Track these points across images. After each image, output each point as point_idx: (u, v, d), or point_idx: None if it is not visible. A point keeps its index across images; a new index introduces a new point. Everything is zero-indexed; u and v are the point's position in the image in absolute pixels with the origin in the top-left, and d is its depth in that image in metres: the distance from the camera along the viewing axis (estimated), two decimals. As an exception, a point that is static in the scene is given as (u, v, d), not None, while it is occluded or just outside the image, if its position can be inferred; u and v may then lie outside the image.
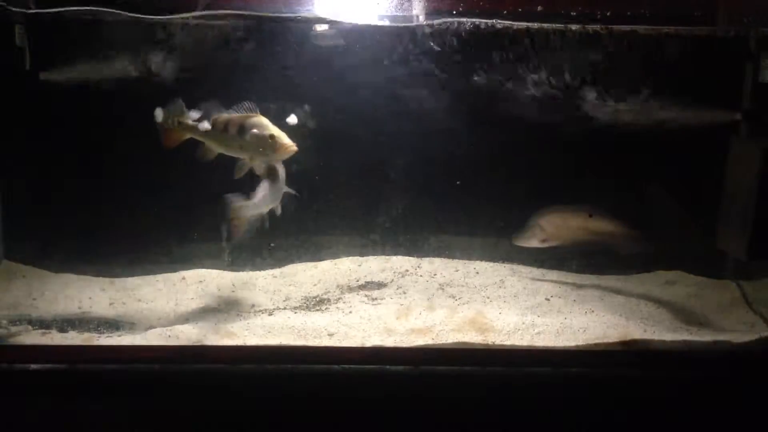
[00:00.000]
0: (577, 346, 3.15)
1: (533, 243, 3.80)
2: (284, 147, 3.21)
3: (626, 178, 3.89)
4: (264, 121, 3.26)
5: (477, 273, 4.07)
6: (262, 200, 3.33)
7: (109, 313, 3.49)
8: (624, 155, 3.83)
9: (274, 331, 3.21)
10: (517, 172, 3.94)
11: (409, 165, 3.94)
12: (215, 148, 3.35)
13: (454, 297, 3.70)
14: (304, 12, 3.58)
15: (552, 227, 3.76)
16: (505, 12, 3.49)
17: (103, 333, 3.24)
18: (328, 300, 3.66)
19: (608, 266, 4.07)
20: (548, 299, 3.67)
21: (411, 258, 4.17)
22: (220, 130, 3.28)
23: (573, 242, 3.81)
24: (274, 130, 3.23)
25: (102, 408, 2.95)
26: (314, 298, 3.71)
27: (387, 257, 4.18)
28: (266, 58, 3.71)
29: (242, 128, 3.24)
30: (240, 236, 3.31)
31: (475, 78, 3.72)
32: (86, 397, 2.94)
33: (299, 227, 4.10)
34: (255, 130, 3.22)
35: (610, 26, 3.49)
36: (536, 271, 4.12)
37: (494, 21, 3.50)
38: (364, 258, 4.19)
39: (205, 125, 3.28)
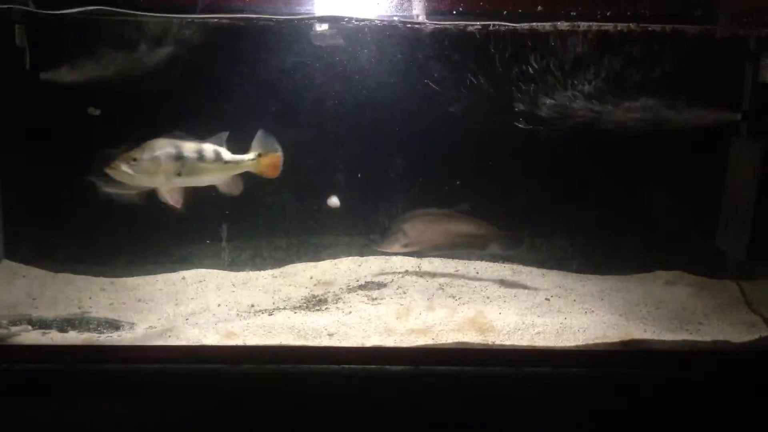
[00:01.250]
0: (577, 346, 3.15)
1: (395, 248, 3.84)
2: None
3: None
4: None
5: (477, 273, 4.08)
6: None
7: (109, 313, 3.48)
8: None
9: (274, 331, 3.20)
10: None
11: (408, 164, 3.95)
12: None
13: (454, 297, 3.70)
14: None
15: (415, 232, 3.81)
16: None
17: (103, 333, 3.24)
18: (328, 300, 3.66)
19: (608, 266, 4.07)
20: (548, 299, 3.67)
21: (411, 258, 4.18)
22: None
23: (436, 246, 3.89)
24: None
25: (102, 408, 2.95)
26: (314, 298, 3.70)
27: (387, 257, 4.18)
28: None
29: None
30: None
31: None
32: (86, 397, 2.95)
33: (299, 227, 4.10)
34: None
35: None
36: (536, 271, 4.12)
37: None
38: (364, 258, 4.19)
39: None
